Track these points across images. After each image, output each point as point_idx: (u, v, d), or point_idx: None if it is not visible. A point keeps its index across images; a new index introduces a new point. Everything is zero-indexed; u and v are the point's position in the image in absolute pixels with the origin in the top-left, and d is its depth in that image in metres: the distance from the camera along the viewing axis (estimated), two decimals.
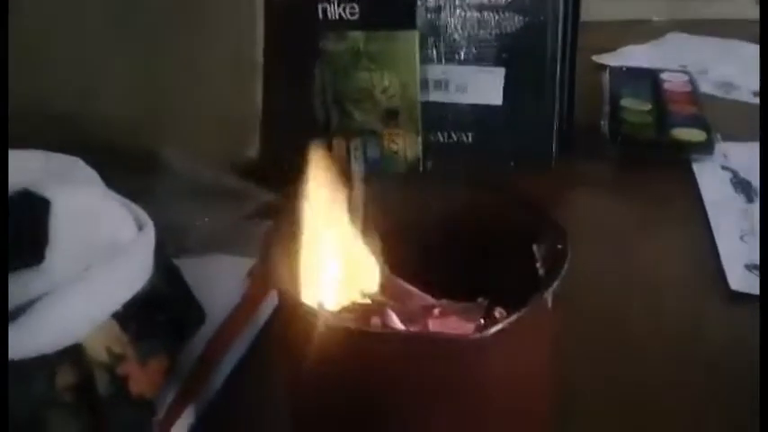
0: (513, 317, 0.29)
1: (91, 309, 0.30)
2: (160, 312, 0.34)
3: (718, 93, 0.77)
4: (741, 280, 0.47)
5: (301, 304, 0.31)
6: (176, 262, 0.42)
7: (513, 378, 0.31)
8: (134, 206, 0.35)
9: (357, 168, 0.59)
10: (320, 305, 0.31)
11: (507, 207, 0.39)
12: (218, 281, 0.44)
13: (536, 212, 0.37)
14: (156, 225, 0.52)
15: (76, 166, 0.35)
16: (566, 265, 0.31)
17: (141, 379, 0.32)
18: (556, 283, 0.30)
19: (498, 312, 0.37)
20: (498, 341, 0.29)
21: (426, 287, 0.39)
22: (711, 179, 0.60)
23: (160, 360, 0.34)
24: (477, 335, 0.29)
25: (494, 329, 0.28)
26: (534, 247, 0.35)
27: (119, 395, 0.31)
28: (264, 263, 0.32)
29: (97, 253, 0.31)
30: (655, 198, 0.60)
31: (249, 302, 0.43)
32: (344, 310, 0.34)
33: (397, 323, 0.33)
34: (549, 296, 0.30)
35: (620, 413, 0.40)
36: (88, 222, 0.31)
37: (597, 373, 0.42)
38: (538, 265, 0.34)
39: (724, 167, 0.62)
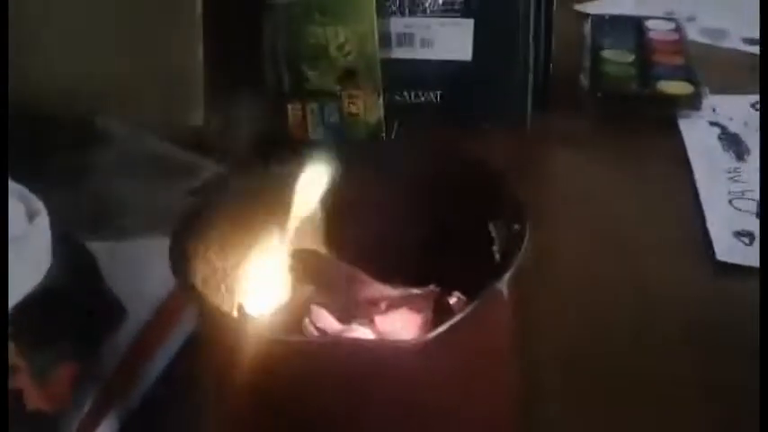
0: (457, 317, 0.24)
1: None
2: (64, 313, 0.30)
3: (707, 41, 0.72)
4: (729, 249, 0.43)
5: (217, 313, 0.26)
6: (101, 246, 0.38)
7: (462, 380, 0.27)
8: (26, 192, 0.30)
9: (314, 135, 0.54)
10: (241, 311, 0.27)
11: (465, 176, 0.34)
12: (151, 268, 0.39)
13: (494, 181, 0.32)
14: (90, 203, 0.48)
15: None
16: (522, 251, 0.26)
17: (39, 393, 0.28)
18: (509, 273, 0.25)
19: (454, 299, 0.33)
20: (443, 343, 0.25)
21: (377, 270, 0.35)
22: (698, 136, 0.55)
23: (66, 369, 0.30)
24: (410, 342, 0.25)
25: (433, 334, 0.24)
26: (491, 226, 0.30)
27: (12, 411, 0.27)
28: (175, 260, 0.28)
29: None
30: (637, 157, 0.55)
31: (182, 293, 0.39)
32: (275, 311, 0.29)
33: (331, 322, 0.29)
34: (503, 286, 0.26)
35: (592, 395, 0.36)
36: None
37: (568, 351, 0.38)
38: (494, 247, 0.30)
39: (712, 123, 0.57)
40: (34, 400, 0.28)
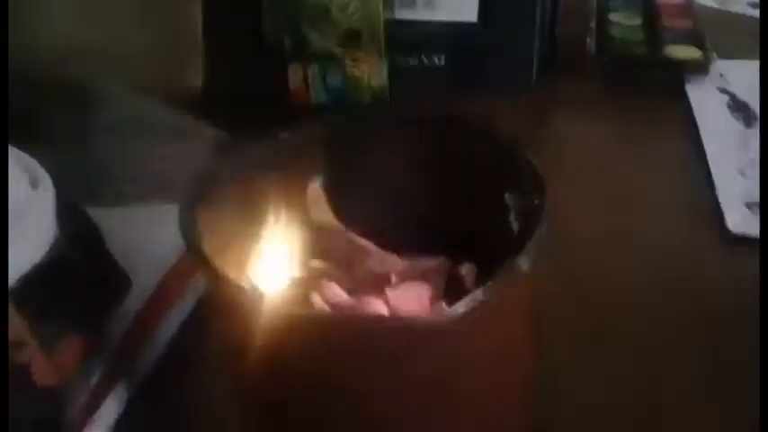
0: (477, 293, 0.24)
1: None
2: (70, 284, 0.29)
3: (714, 4, 0.71)
4: (741, 221, 0.43)
5: (230, 287, 0.25)
6: (104, 213, 0.37)
7: (481, 360, 0.26)
8: (29, 160, 0.29)
9: (316, 99, 0.53)
10: (252, 285, 0.26)
11: (477, 145, 0.33)
12: (155, 235, 0.38)
13: (509, 152, 0.31)
14: (85, 168, 0.47)
15: None
16: (542, 226, 0.26)
17: (47, 367, 0.27)
18: (530, 248, 0.25)
19: (465, 270, 0.33)
20: (462, 320, 0.24)
21: (387, 241, 0.34)
22: (707, 103, 0.54)
23: (72, 341, 0.29)
24: (432, 320, 0.24)
25: (449, 314, 0.23)
26: (507, 197, 0.30)
27: (18, 387, 0.27)
28: (186, 230, 0.27)
29: None
30: (645, 124, 0.54)
31: (189, 260, 0.38)
32: (285, 284, 0.29)
33: (341, 295, 0.28)
34: (523, 261, 0.25)
35: (606, 374, 0.35)
36: None
37: (578, 328, 0.37)
38: (511, 218, 0.29)
39: (720, 89, 0.56)
40: (41, 374, 0.27)
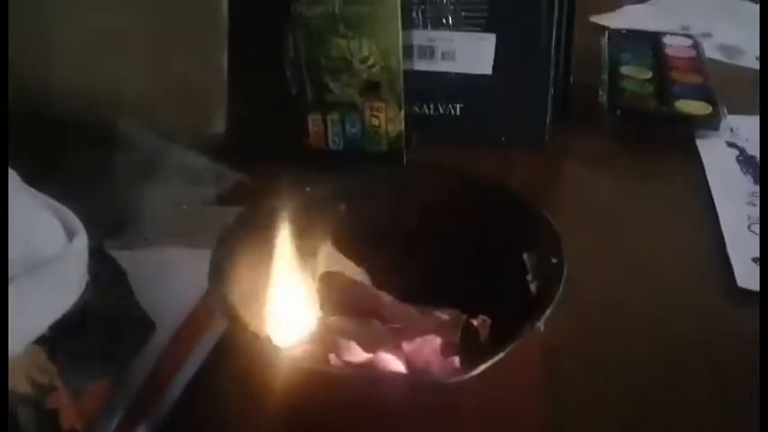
0: (498, 356, 0.24)
1: (8, 335, 0.26)
2: (98, 330, 0.30)
3: (723, 58, 0.72)
4: (749, 276, 0.43)
5: (254, 339, 0.26)
6: (128, 256, 0.38)
7: (495, 413, 0.27)
8: (65, 211, 0.30)
9: (334, 146, 0.54)
10: (271, 338, 0.27)
11: (494, 200, 0.34)
12: (176, 278, 0.40)
13: (527, 209, 0.32)
14: (109, 210, 0.48)
15: None
16: (561, 287, 0.26)
17: (75, 411, 0.28)
18: (550, 310, 0.26)
19: (479, 322, 0.33)
20: (478, 379, 0.25)
21: (402, 291, 0.35)
22: (717, 157, 0.55)
23: (98, 385, 0.30)
24: (453, 378, 0.25)
25: (472, 372, 0.24)
26: (525, 257, 0.31)
27: (46, 431, 0.27)
28: (213, 282, 0.28)
29: (13, 269, 0.26)
30: (655, 177, 0.55)
31: (209, 304, 0.39)
32: (301, 339, 0.30)
33: (359, 355, 0.29)
34: (542, 323, 0.26)
35: (616, 419, 0.36)
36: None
37: (589, 379, 0.38)
38: (528, 277, 0.30)
39: (730, 144, 0.57)
40: (70, 419, 0.28)
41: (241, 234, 0.31)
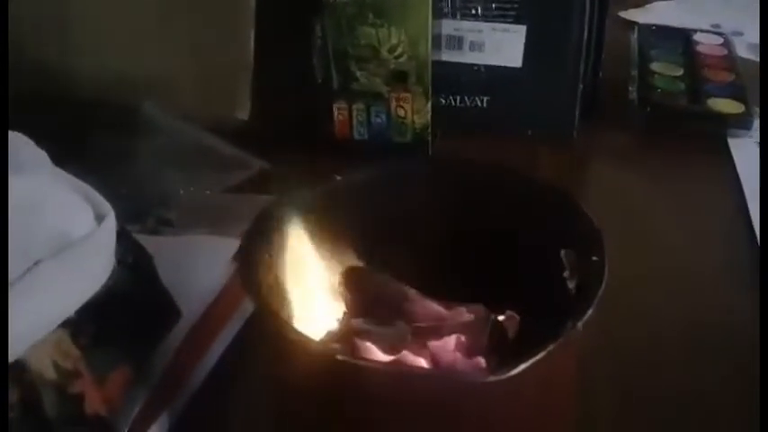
0: (539, 355, 0.24)
1: (34, 318, 0.25)
2: (123, 316, 0.29)
3: (754, 57, 0.71)
4: None
5: (285, 328, 0.26)
6: (152, 242, 0.37)
7: (527, 414, 0.26)
8: (94, 193, 0.30)
9: (359, 136, 0.54)
10: (298, 327, 0.27)
11: (530, 193, 0.33)
12: (199, 266, 0.39)
13: (566, 205, 0.31)
14: (132, 194, 0.48)
15: (20, 145, 0.29)
16: (603, 286, 0.26)
17: (98, 397, 0.28)
18: (591, 310, 0.25)
19: (507, 319, 0.33)
20: (513, 378, 0.24)
21: (429, 285, 0.34)
22: (748, 158, 0.54)
23: (122, 371, 0.29)
24: (489, 377, 0.24)
25: (512, 371, 0.23)
26: (563, 254, 0.30)
27: (70, 416, 0.27)
28: (242, 267, 0.27)
29: (40, 251, 0.26)
30: (686, 175, 0.54)
31: (232, 292, 0.38)
32: (323, 335, 0.29)
33: (377, 356, 0.28)
34: (582, 323, 0.25)
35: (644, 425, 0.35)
36: (30, 214, 0.26)
37: (618, 383, 0.37)
38: (566, 275, 0.29)
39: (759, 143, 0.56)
40: (94, 404, 0.28)
41: (270, 223, 0.30)
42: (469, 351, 0.32)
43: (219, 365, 0.37)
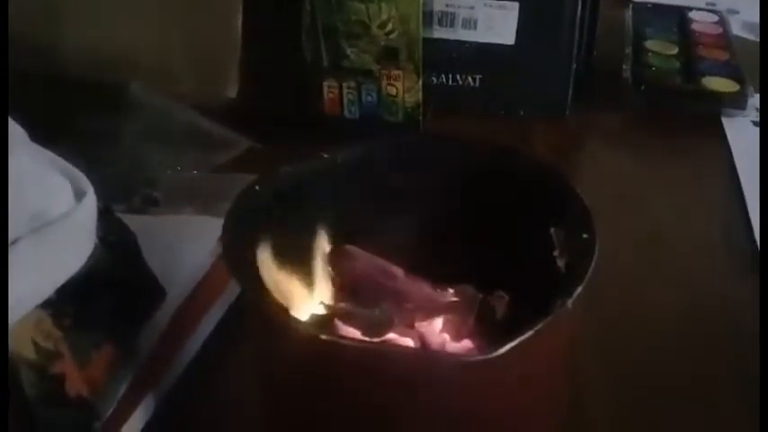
0: (527, 334, 0.23)
1: (12, 297, 0.25)
2: (106, 295, 0.29)
3: (749, 36, 0.70)
4: None
5: (271, 309, 0.25)
6: (138, 221, 0.37)
7: (513, 388, 0.26)
8: (73, 170, 0.29)
9: (349, 114, 0.53)
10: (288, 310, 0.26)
11: (519, 171, 0.33)
12: (186, 246, 0.38)
13: (555, 183, 0.31)
14: (119, 174, 0.47)
15: None
16: (593, 264, 0.25)
17: (80, 378, 0.27)
18: (581, 288, 0.24)
19: (496, 299, 0.32)
20: (503, 356, 0.24)
21: (417, 265, 0.34)
22: (742, 137, 0.54)
23: (105, 352, 0.29)
24: (474, 357, 0.24)
25: (501, 349, 0.23)
26: (552, 232, 0.29)
27: (51, 396, 0.26)
28: (226, 246, 0.27)
29: (18, 229, 0.25)
30: (679, 154, 0.54)
31: (219, 272, 0.38)
32: (306, 315, 0.29)
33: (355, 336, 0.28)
34: (571, 300, 0.25)
35: (634, 409, 0.35)
36: (9, 192, 0.25)
37: (609, 366, 0.37)
38: (555, 253, 0.29)
39: (755, 123, 0.56)
40: (75, 385, 0.27)
41: (255, 201, 0.30)
42: (458, 332, 0.31)
43: (206, 346, 0.36)
